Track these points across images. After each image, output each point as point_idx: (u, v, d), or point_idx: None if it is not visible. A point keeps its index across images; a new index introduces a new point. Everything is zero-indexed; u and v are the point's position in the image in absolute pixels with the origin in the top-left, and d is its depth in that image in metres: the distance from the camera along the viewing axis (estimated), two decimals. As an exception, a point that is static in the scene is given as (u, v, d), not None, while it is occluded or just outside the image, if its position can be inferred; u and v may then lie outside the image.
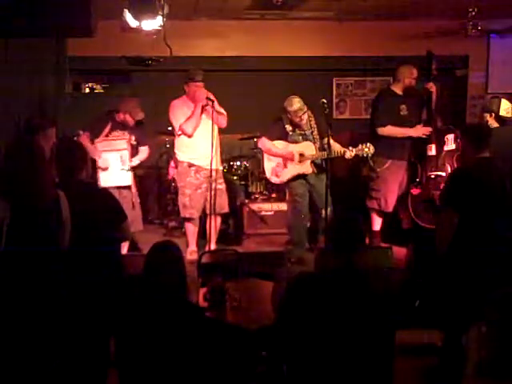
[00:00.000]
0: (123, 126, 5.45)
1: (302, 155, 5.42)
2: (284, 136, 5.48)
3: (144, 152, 5.64)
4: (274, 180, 5.62)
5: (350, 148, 5.28)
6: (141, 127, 5.60)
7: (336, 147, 5.30)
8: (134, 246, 5.38)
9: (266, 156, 5.61)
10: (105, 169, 5.33)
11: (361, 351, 2.68)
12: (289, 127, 5.46)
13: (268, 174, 5.62)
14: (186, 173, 5.47)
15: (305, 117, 5.39)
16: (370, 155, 5.30)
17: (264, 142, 5.57)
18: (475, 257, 3.47)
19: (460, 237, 3.51)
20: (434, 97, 5.66)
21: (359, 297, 2.78)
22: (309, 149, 5.43)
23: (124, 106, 5.44)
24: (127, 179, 5.42)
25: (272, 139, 5.51)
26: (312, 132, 5.47)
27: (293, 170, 5.45)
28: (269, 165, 5.58)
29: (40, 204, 3.04)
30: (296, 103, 5.34)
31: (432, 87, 5.64)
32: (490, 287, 3.44)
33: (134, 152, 5.52)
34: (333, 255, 2.94)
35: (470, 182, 3.60)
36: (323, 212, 5.27)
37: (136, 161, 5.51)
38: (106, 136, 5.40)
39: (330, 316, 2.65)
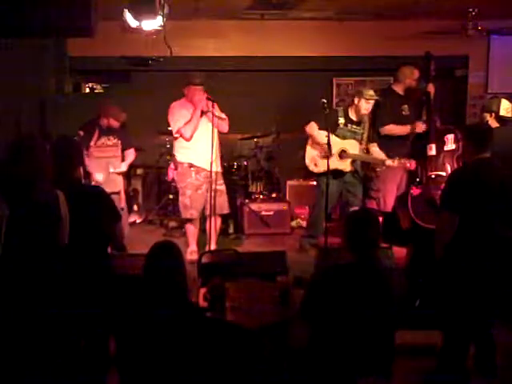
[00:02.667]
0: (109, 131, 5.50)
1: (344, 151, 5.41)
2: (334, 128, 5.40)
3: (130, 155, 5.74)
4: (312, 168, 5.59)
5: (396, 159, 5.28)
6: (125, 130, 5.64)
7: (378, 154, 5.41)
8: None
9: (309, 143, 5.58)
10: (98, 180, 5.37)
11: (367, 346, 2.72)
12: (341, 120, 5.44)
13: (307, 161, 5.59)
14: (186, 174, 5.47)
15: (369, 107, 5.40)
16: (411, 169, 5.32)
17: (312, 127, 5.48)
18: (475, 258, 3.47)
19: (459, 238, 3.51)
20: (432, 98, 5.69)
21: (373, 293, 2.83)
22: (353, 147, 5.42)
23: (106, 111, 5.52)
24: (118, 185, 5.47)
25: (320, 128, 5.40)
26: (363, 133, 5.47)
27: (331, 163, 5.29)
28: (310, 152, 5.57)
29: (39, 202, 3.04)
30: (372, 91, 5.43)
31: (431, 89, 5.67)
32: (490, 288, 3.47)
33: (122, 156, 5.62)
34: (348, 251, 2.98)
35: (469, 182, 3.59)
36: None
37: (124, 167, 5.60)
38: (95, 143, 5.45)
39: (345, 310, 2.73)
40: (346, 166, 5.44)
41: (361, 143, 5.47)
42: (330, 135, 5.34)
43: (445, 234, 3.55)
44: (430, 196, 5.52)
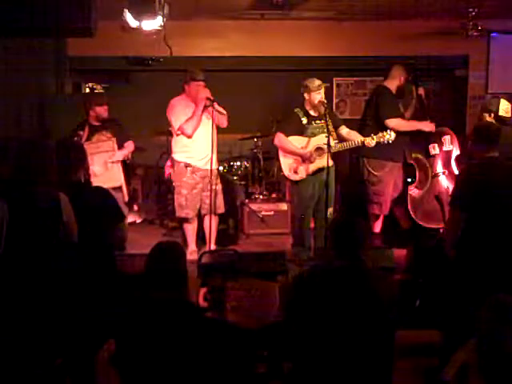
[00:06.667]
0: (102, 127, 5.48)
1: (320, 148, 5.19)
2: (301, 130, 5.26)
3: (129, 147, 5.65)
4: (294, 177, 5.33)
5: (372, 135, 5.13)
6: (118, 125, 5.62)
7: (354, 136, 5.20)
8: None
9: (281, 154, 5.35)
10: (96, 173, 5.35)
11: (362, 350, 2.69)
12: (305, 120, 5.25)
13: (286, 172, 5.35)
14: (182, 173, 5.45)
15: (321, 97, 5.19)
16: (391, 140, 5.10)
17: (281, 139, 5.27)
18: (485, 256, 3.49)
19: (468, 237, 3.53)
20: (423, 100, 5.85)
21: (362, 296, 2.80)
22: (326, 141, 5.05)
23: (89, 102, 5.49)
24: (118, 179, 5.43)
25: (288, 135, 5.25)
26: (328, 124, 5.15)
27: (311, 165, 5.24)
28: (286, 161, 5.33)
29: (39, 206, 3.04)
30: (317, 80, 5.24)
31: (421, 91, 5.87)
32: (496, 289, 3.46)
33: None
34: (336, 256, 2.95)
35: (478, 181, 3.62)
36: (328, 211, 5.16)
37: (119, 155, 5.50)
38: (87, 140, 5.41)
39: (334, 313, 2.67)
40: (325, 162, 5.04)
41: (331, 134, 5.08)
42: (301, 138, 5.22)
43: (453, 232, 3.59)
44: (435, 194, 5.63)
